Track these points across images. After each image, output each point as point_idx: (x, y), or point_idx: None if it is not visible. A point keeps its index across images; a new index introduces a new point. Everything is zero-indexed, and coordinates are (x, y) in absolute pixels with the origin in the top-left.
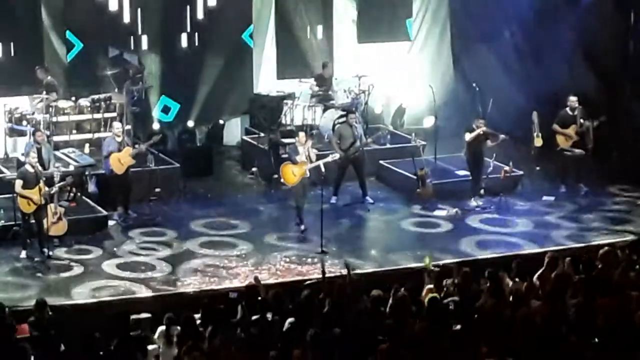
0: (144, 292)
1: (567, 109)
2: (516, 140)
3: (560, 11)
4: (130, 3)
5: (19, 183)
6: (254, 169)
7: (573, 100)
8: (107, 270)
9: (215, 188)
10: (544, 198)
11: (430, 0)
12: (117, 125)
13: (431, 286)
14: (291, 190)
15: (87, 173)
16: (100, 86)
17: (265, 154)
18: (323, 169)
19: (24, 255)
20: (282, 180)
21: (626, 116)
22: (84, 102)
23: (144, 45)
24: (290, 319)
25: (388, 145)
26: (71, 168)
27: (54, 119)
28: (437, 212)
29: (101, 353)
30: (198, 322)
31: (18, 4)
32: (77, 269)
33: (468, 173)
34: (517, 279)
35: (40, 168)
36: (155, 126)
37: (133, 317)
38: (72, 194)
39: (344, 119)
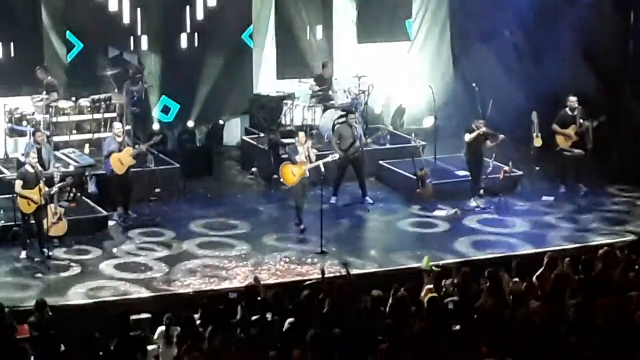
0: (143, 293)
1: (567, 109)
2: (516, 141)
3: (560, 11)
4: (130, 3)
5: (19, 183)
6: (254, 170)
7: (573, 100)
8: (106, 271)
9: (216, 188)
10: (544, 198)
11: (431, 0)
12: (117, 125)
13: (431, 286)
14: (291, 191)
15: (87, 174)
16: (101, 86)
17: (265, 154)
18: (323, 170)
19: (24, 255)
20: (281, 180)
21: (626, 116)
22: (84, 102)
23: (144, 45)
24: (290, 320)
25: (388, 146)
26: (71, 169)
27: (54, 120)
28: (437, 213)
29: (101, 353)
30: (198, 322)
31: (18, 5)
32: (77, 270)
33: (468, 173)
34: (517, 279)
35: (40, 168)
36: (156, 126)
37: (133, 317)
38: (72, 195)
39: (344, 119)
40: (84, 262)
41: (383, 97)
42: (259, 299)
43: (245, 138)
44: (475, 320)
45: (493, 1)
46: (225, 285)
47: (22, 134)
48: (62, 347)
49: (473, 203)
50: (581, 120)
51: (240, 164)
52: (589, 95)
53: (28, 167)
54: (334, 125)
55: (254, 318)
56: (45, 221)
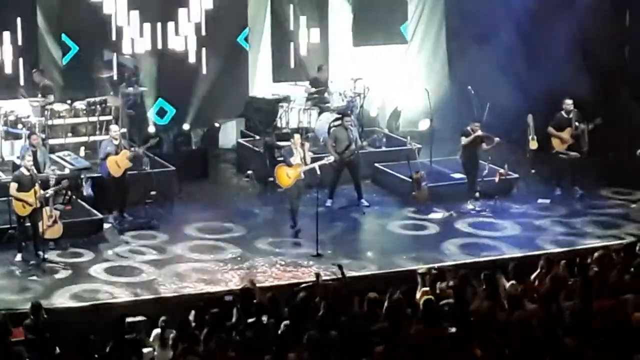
0: (138, 295)
1: (563, 111)
2: (511, 143)
3: (555, 13)
4: (125, 6)
5: (13, 186)
6: (249, 172)
7: (568, 103)
8: (101, 273)
9: (211, 191)
10: (540, 201)
11: (426, 2)
12: (114, 128)
13: (426, 288)
14: (285, 193)
15: (82, 176)
16: (96, 89)
17: (261, 156)
18: (318, 172)
19: (19, 258)
20: (276, 182)
21: (622, 118)
22: (80, 105)
23: (140, 48)
24: (286, 322)
25: (383, 148)
26: (66, 171)
27: (50, 122)
28: (432, 215)
29: (96, 356)
30: (193, 325)
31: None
32: (71, 272)
33: (463, 176)
34: (513, 282)
35: (35, 171)
36: (151, 129)
37: (128, 320)
38: (67, 197)
39: (339, 121)
40: (77, 264)
41: (378, 100)
42: (255, 301)
43: (241, 140)
44: (471, 323)
45: (489, 3)
46: (221, 287)
47: (17, 137)
48: (57, 350)
49: (469, 205)
50: (576, 123)
51: (236, 167)
52: (584, 98)
53: (23, 170)
54: (329, 128)
55: (249, 320)
56: (40, 224)
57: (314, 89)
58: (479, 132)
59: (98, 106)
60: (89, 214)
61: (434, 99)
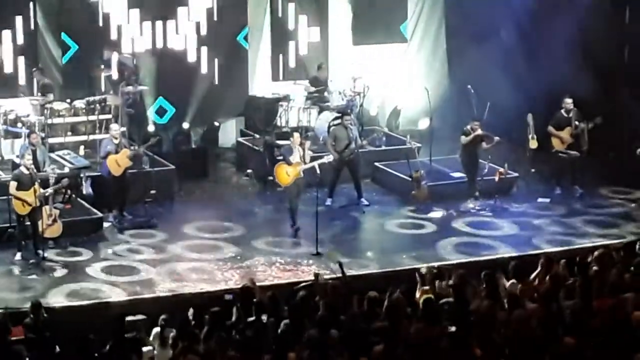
0: (137, 294)
1: (562, 110)
2: (511, 142)
3: (556, 12)
4: (126, 5)
5: (13, 185)
6: (249, 171)
7: (568, 102)
8: (100, 272)
9: (211, 190)
10: (539, 200)
11: (426, 1)
12: (114, 127)
13: (426, 287)
14: (285, 191)
15: (82, 175)
16: (96, 88)
17: (261, 155)
18: (318, 171)
19: (18, 257)
20: (276, 180)
21: (622, 117)
22: (79, 104)
23: (139, 47)
24: (286, 321)
25: (383, 147)
26: (66, 170)
27: (49, 121)
28: (432, 214)
29: (96, 355)
30: (193, 323)
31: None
32: (70, 271)
33: (463, 175)
34: (513, 281)
35: (35, 170)
36: (151, 128)
37: (128, 318)
38: (67, 196)
39: (339, 120)
40: (76, 263)
41: (378, 99)
42: (254, 300)
43: (241, 139)
44: (470, 322)
45: (488, 2)
46: (220, 286)
47: (16, 136)
48: (57, 349)
49: (469, 205)
50: (576, 122)
51: (236, 166)
52: (584, 97)
53: (23, 169)
54: (329, 127)
55: (249, 319)
56: (40, 222)
57: (313, 88)
58: (479, 131)
59: (97, 105)
60: (89, 213)
61: (434, 97)
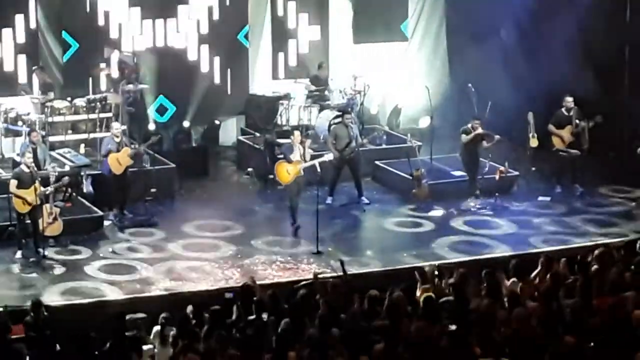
0: (138, 292)
1: (563, 109)
2: (512, 141)
3: (555, 10)
4: (126, 3)
5: (13, 183)
6: (249, 170)
7: (569, 100)
8: (100, 271)
9: (211, 188)
10: (540, 199)
11: (426, 0)
12: (116, 125)
13: (426, 286)
14: (285, 189)
15: (82, 173)
16: (96, 86)
17: (261, 154)
18: (319, 169)
19: (19, 255)
20: (276, 178)
21: (623, 116)
22: (80, 102)
23: (140, 45)
24: (286, 320)
25: (384, 146)
26: (67, 168)
27: (50, 119)
28: (432, 213)
29: (96, 353)
30: (193, 322)
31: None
32: (70, 270)
33: (464, 173)
34: (514, 279)
35: (35, 168)
36: (151, 126)
37: (128, 317)
38: (67, 194)
39: (339, 119)
40: (76, 262)
41: (379, 97)
42: (255, 299)
43: (241, 138)
44: (471, 321)
45: (489, 1)
46: (221, 285)
47: (17, 134)
48: (58, 347)
49: (470, 203)
50: (577, 121)
51: (236, 164)
52: (584, 96)
53: (23, 167)
54: (329, 125)
55: (249, 318)
56: (40, 221)
57: (314, 87)
58: (480, 130)
59: (98, 103)
60: (89, 211)
61: (435, 96)
